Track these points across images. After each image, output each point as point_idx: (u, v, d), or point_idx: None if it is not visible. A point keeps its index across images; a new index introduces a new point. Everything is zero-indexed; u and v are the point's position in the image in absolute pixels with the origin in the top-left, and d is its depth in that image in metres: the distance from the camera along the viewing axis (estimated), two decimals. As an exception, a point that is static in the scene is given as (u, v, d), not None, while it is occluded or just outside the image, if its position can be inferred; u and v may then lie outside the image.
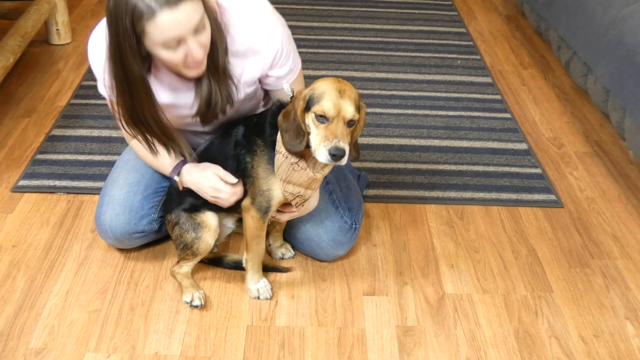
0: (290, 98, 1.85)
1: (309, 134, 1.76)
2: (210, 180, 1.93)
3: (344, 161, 1.72)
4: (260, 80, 1.96)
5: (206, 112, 1.89)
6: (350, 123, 1.74)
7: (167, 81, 1.88)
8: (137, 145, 2.00)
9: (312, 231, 2.12)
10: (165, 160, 1.99)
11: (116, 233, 2.08)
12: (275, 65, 1.92)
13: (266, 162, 1.87)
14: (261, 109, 2.09)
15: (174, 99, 1.91)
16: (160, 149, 1.96)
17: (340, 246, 2.15)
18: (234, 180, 1.92)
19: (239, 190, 1.94)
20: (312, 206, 2.02)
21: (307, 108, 1.75)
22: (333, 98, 1.71)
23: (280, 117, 1.80)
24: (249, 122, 1.95)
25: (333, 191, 2.15)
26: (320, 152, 1.72)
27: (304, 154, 1.80)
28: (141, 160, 2.13)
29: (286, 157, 1.81)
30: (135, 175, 2.11)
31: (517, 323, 2.01)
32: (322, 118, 1.72)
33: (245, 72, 1.90)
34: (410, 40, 3.73)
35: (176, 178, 1.99)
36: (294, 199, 1.90)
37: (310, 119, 1.74)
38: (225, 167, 1.94)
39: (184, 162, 1.99)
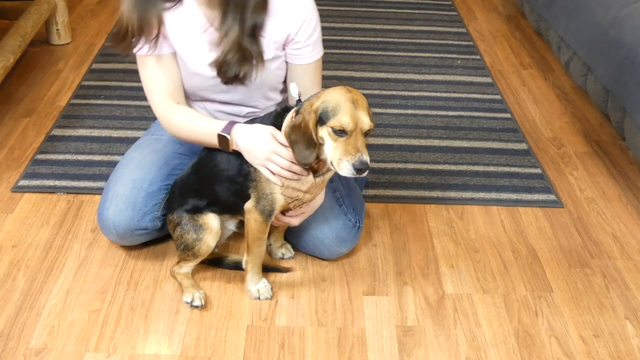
0: (297, 102, 1.85)
1: (321, 145, 1.75)
2: (266, 141, 1.83)
3: (366, 173, 1.72)
4: (284, 47, 2.00)
5: (222, 59, 1.92)
6: (366, 133, 1.74)
7: (192, 17, 1.94)
8: (180, 115, 1.99)
9: (316, 228, 2.13)
10: (210, 122, 1.96)
11: (119, 229, 2.08)
12: (300, 31, 1.96)
13: None
14: (278, 95, 2.10)
15: (195, 42, 1.96)
16: (201, 114, 2.00)
17: (344, 244, 2.15)
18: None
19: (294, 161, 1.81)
20: (319, 204, 2.02)
21: (321, 121, 1.73)
22: (349, 111, 1.70)
23: (287, 130, 1.78)
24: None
25: (337, 189, 2.15)
26: (344, 166, 1.71)
27: None
28: (146, 157, 2.13)
29: None
30: (139, 172, 2.11)
31: (517, 323, 2.01)
32: (340, 132, 1.71)
33: (276, 31, 1.95)
34: (410, 40, 3.73)
35: (228, 136, 1.89)
36: (292, 202, 1.90)
37: (325, 132, 1.73)
38: (227, 169, 1.94)
39: (233, 122, 1.93)
